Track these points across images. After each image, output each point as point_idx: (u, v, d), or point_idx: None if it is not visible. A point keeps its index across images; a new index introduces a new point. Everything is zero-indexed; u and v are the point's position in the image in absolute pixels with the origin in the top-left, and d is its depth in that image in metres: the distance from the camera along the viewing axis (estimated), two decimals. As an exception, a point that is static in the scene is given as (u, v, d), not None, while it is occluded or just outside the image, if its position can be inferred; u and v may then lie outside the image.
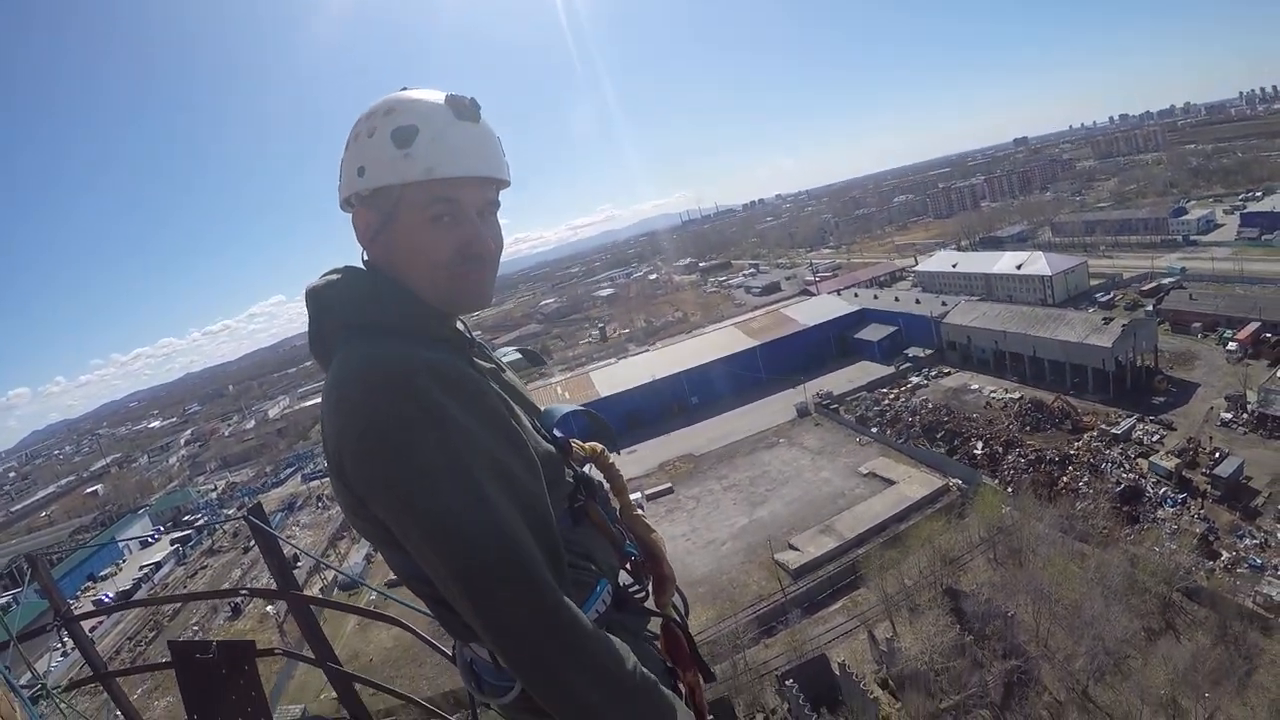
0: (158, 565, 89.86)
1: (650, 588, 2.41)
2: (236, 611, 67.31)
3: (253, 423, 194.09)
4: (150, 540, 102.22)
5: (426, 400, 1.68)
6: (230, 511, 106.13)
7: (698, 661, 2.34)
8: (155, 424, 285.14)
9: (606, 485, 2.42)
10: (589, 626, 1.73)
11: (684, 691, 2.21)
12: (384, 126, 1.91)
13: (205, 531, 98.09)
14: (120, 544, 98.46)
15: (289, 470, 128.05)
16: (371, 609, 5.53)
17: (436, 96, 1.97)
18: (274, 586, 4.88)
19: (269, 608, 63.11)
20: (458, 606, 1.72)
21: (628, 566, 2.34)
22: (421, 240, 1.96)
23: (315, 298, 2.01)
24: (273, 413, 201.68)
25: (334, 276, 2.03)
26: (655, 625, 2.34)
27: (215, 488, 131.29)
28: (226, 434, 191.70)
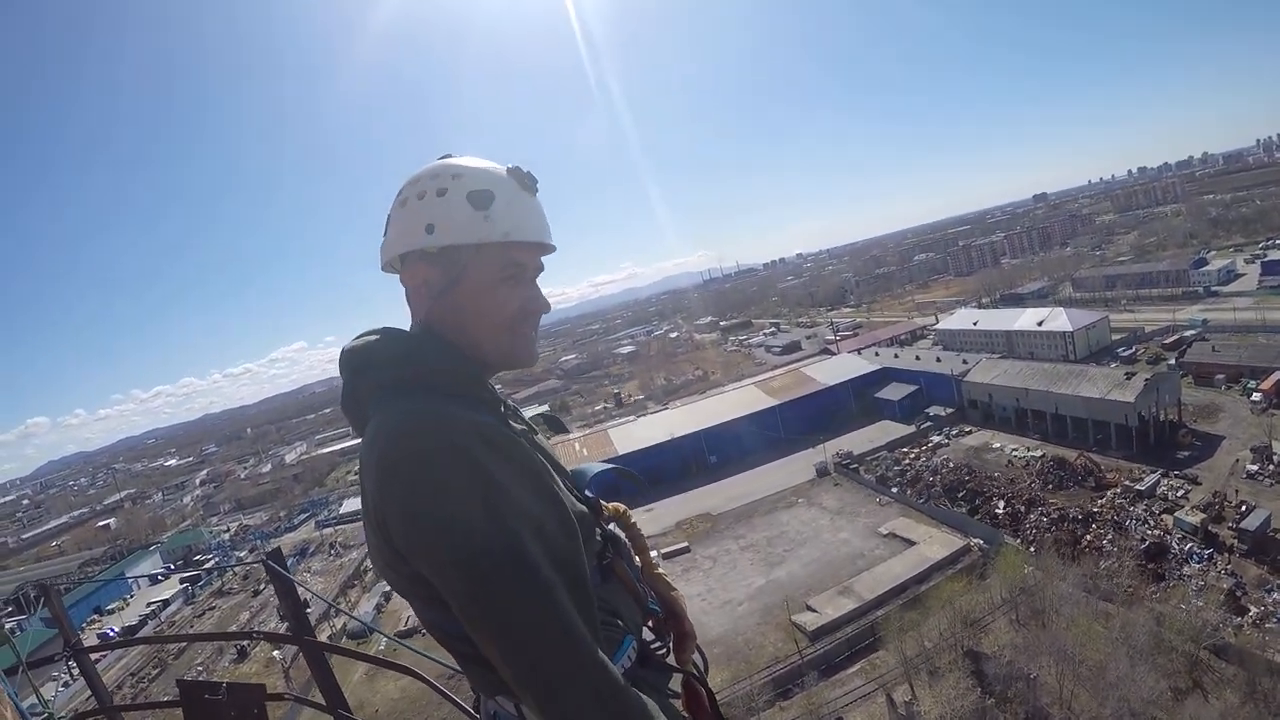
0: (165, 603, 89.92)
1: (671, 644, 2.42)
2: (243, 654, 67.02)
3: (269, 467, 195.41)
4: (160, 578, 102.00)
5: (470, 462, 1.69)
6: (243, 554, 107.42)
7: (717, 717, 2.33)
8: (172, 462, 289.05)
9: (628, 543, 2.41)
10: (623, 685, 1.72)
11: None
12: (456, 189, 1.96)
13: (216, 572, 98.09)
14: (129, 580, 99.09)
15: (303, 516, 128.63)
16: (383, 658, 5.41)
17: (498, 167, 2.05)
18: (285, 630, 5.10)
19: (275, 652, 62.97)
20: (498, 665, 1.68)
21: (650, 624, 2.35)
22: (490, 299, 2.02)
23: (351, 358, 2.01)
24: (289, 458, 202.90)
25: (372, 338, 2.04)
26: (676, 682, 2.34)
27: (228, 529, 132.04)
28: (242, 476, 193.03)
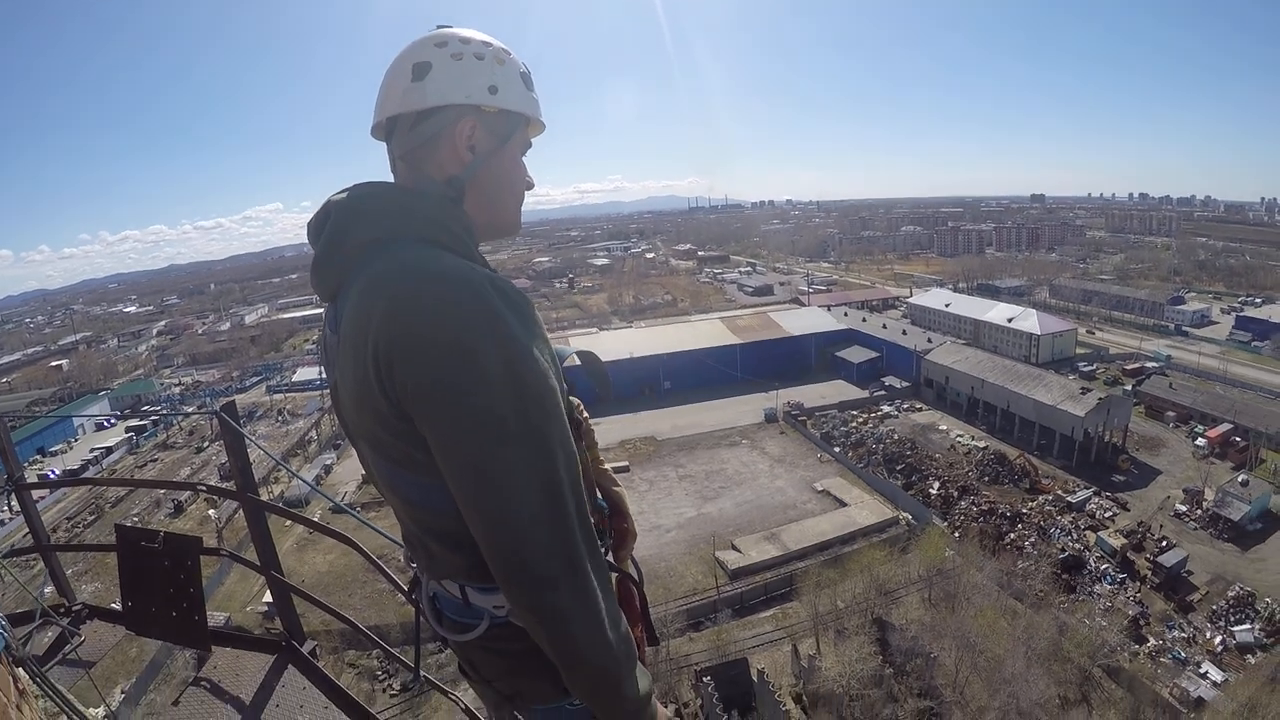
0: (109, 450, 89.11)
1: (611, 542, 2.44)
2: (179, 509, 67.02)
3: (228, 325, 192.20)
4: (106, 424, 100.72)
5: (493, 311, 1.67)
6: (190, 409, 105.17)
7: (646, 622, 2.44)
8: (131, 309, 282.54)
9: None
10: (599, 580, 1.80)
11: None
12: (511, 62, 2.04)
13: (162, 423, 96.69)
14: (75, 422, 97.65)
15: (255, 379, 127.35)
16: (323, 524, 5.47)
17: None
18: (229, 486, 4.90)
19: (211, 511, 63.47)
20: (473, 521, 1.72)
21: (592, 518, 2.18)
22: (518, 169, 2.14)
23: (344, 209, 1.95)
24: (249, 318, 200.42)
25: (373, 189, 1.98)
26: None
27: (179, 383, 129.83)
28: (200, 332, 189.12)
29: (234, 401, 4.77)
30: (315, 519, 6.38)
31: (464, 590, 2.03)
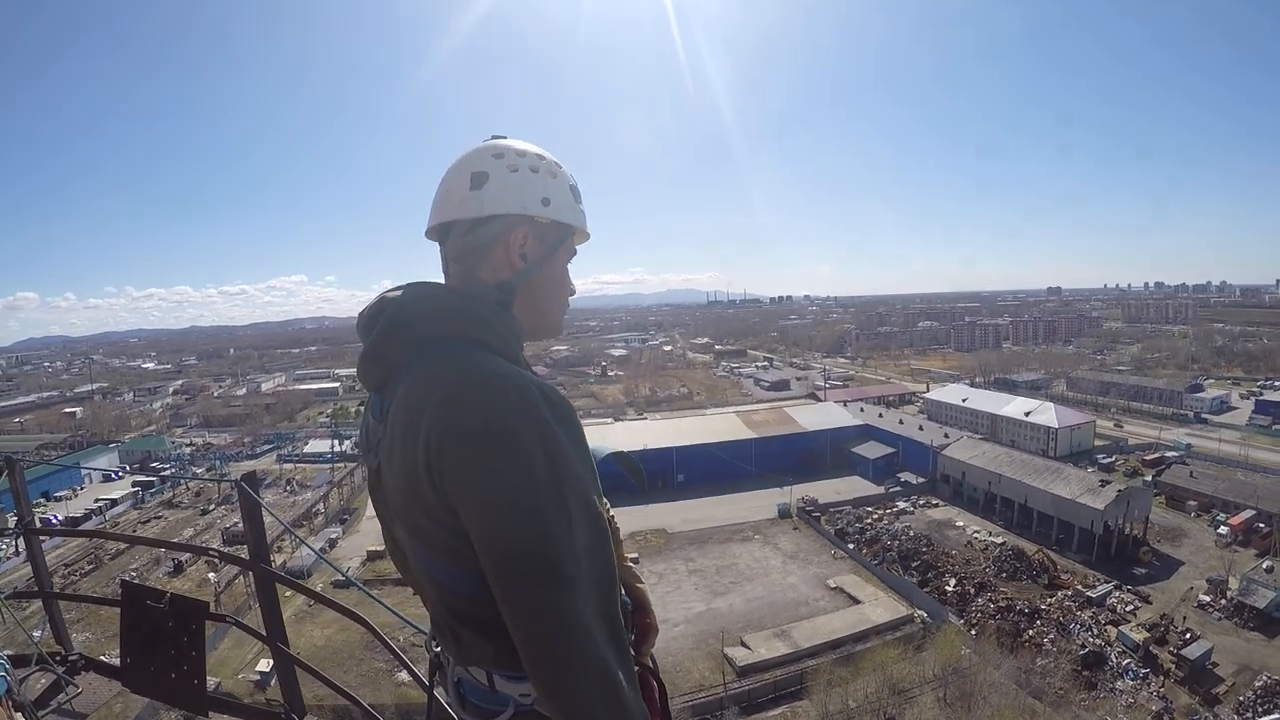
0: (114, 502, 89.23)
1: (634, 637, 2.42)
2: (178, 569, 66.53)
3: (244, 391, 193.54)
4: (114, 476, 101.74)
5: (541, 417, 1.73)
6: (200, 471, 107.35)
7: (665, 716, 2.44)
8: (150, 365, 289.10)
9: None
10: (627, 678, 1.76)
11: None
12: (562, 176, 2.18)
13: (172, 482, 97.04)
14: (83, 471, 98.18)
15: (266, 447, 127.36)
16: (335, 600, 5.58)
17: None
18: (235, 554, 5.10)
19: (211, 575, 62.86)
20: (513, 626, 1.71)
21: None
22: (565, 277, 2.26)
23: (398, 307, 2.01)
24: (266, 386, 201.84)
25: (428, 289, 2.08)
26: None
27: (191, 443, 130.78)
28: (215, 395, 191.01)
29: (254, 472, 4.95)
30: (319, 592, 6.07)
31: (491, 677, 2.02)
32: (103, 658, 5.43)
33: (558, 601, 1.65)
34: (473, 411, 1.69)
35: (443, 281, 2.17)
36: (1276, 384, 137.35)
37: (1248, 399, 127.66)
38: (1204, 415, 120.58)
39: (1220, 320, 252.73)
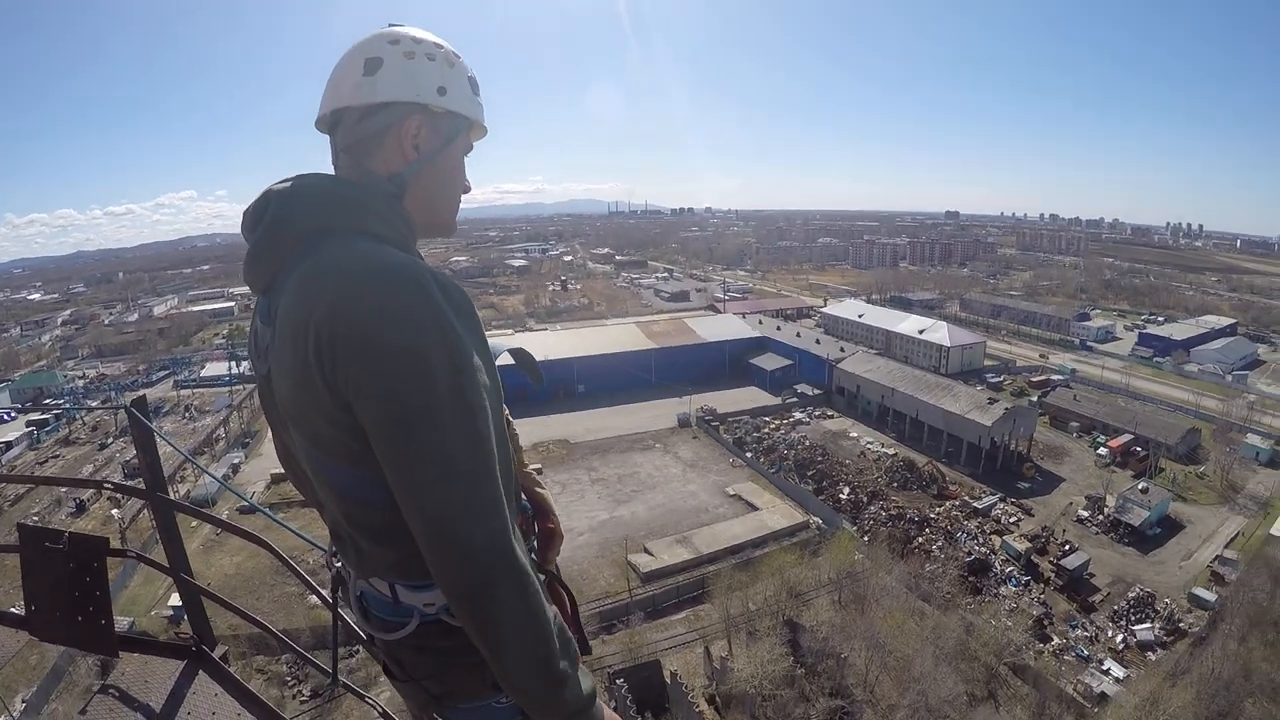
0: (8, 445, 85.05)
1: (537, 543, 2.46)
2: (81, 508, 64.49)
3: (135, 316, 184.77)
4: (6, 417, 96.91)
5: (438, 307, 1.69)
6: (95, 403, 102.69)
7: (577, 628, 2.42)
8: (36, 296, 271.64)
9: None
10: (528, 564, 1.78)
11: None
12: (460, 66, 2.10)
13: (66, 418, 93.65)
14: None
15: (162, 373, 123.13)
16: (236, 525, 5.23)
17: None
18: (137, 485, 4.74)
19: (114, 511, 61.07)
20: (415, 517, 1.69)
21: (519, 521, 2.24)
22: (459, 171, 2.19)
23: (285, 199, 1.92)
24: (158, 310, 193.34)
25: (317, 180, 1.98)
26: None
27: (84, 375, 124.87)
28: (106, 322, 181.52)
29: (144, 397, 4.67)
30: (224, 519, 5.99)
31: (394, 588, 2.03)
32: (13, 609, 5.14)
33: (459, 495, 1.65)
34: (366, 303, 1.64)
35: (332, 174, 2.09)
36: (1160, 319, 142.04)
37: (1131, 331, 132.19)
38: (1089, 343, 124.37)
39: (1110, 255, 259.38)
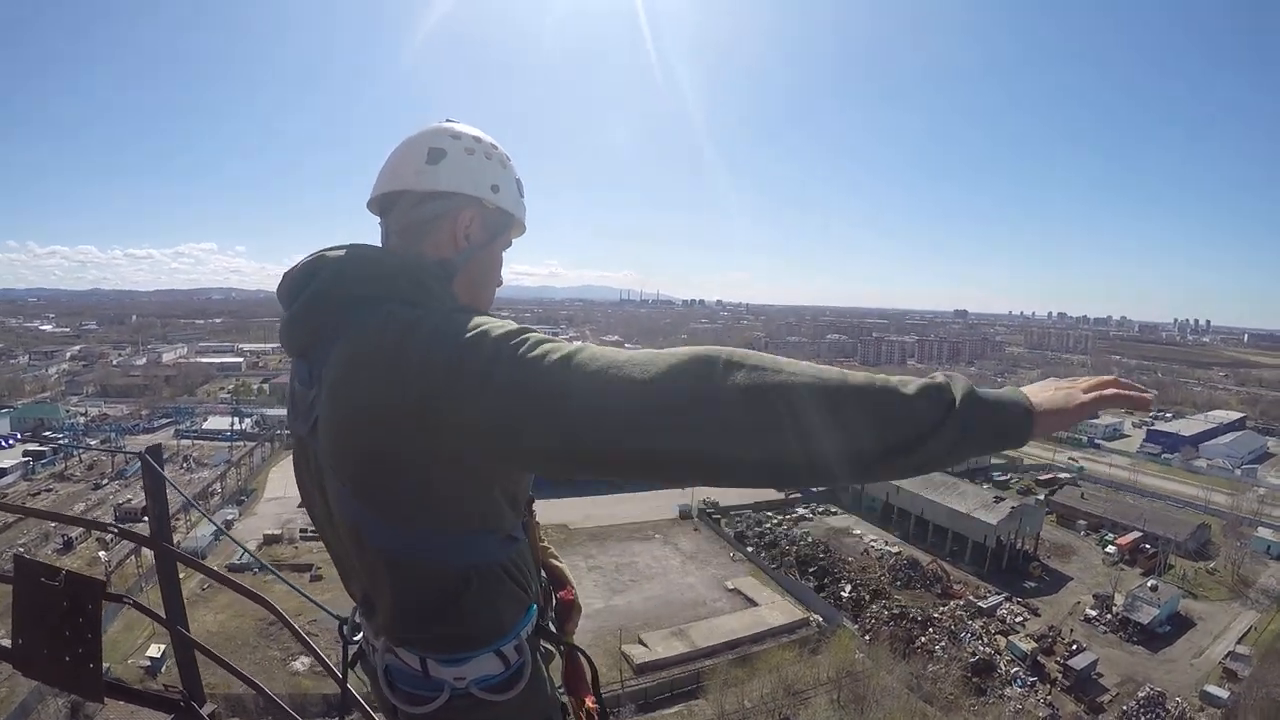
0: (3, 471, 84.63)
1: (555, 614, 2.38)
2: (68, 546, 63.91)
3: (144, 360, 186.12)
4: (3, 444, 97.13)
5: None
6: (95, 442, 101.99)
7: (598, 698, 2.33)
8: (47, 328, 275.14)
9: None
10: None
11: (584, 718, 2.27)
12: (511, 169, 2.18)
13: (63, 453, 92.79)
14: None
15: (164, 420, 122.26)
16: (243, 585, 4.85)
17: None
18: (135, 531, 4.68)
19: (101, 553, 60.53)
20: (616, 445, 1.42)
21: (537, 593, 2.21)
22: (498, 264, 2.23)
23: (340, 264, 1.89)
24: (167, 356, 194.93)
25: (370, 251, 1.96)
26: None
27: (85, 413, 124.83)
28: (114, 363, 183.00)
29: (159, 445, 4.64)
30: (229, 576, 5.55)
31: (425, 662, 1.91)
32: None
33: (655, 405, 1.40)
34: (465, 333, 1.54)
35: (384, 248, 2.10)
36: (1168, 416, 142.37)
37: (1139, 428, 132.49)
38: (1097, 440, 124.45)
39: (1118, 353, 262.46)
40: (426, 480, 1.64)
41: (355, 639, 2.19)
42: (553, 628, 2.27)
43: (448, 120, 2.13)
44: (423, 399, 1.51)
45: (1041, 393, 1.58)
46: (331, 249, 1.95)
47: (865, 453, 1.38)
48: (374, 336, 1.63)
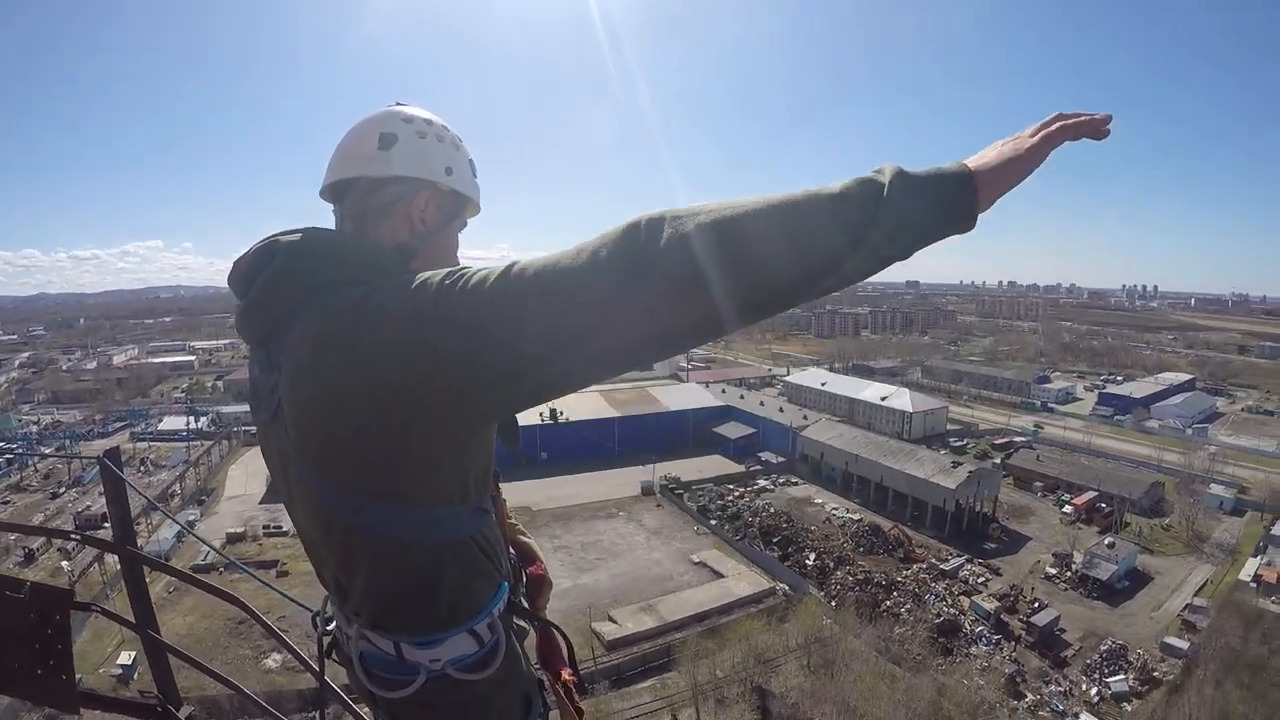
0: None
1: (526, 590, 2.43)
2: (30, 558, 62.50)
3: (94, 364, 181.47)
4: None
5: None
6: (48, 451, 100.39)
7: (574, 670, 2.39)
8: None
9: None
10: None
11: (561, 692, 2.32)
12: (464, 151, 2.21)
13: (18, 464, 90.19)
14: None
15: (119, 424, 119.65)
16: (211, 584, 4.82)
17: None
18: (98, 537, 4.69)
19: (64, 563, 59.80)
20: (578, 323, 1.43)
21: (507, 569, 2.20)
22: (454, 245, 2.24)
23: (303, 247, 1.86)
24: (118, 359, 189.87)
25: (326, 234, 1.97)
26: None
27: (38, 421, 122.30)
28: (64, 368, 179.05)
29: (118, 448, 4.37)
30: (198, 577, 5.52)
31: (399, 646, 1.90)
32: None
33: (595, 272, 1.40)
34: (409, 289, 1.54)
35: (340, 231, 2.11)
36: (1119, 378, 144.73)
37: (1091, 391, 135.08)
38: (1050, 405, 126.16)
39: (1069, 319, 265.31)
40: (395, 453, 1.64)
41: (329, 629, 2.19)
42: (524, 604, 2.31)
43: (398, 104, 2.16)
44: (383, 371, 1.52)
45: (984, 155, 1.56)
46: (284, 233, 1.94)
47: (812, 265, 1.38)
48: (331, 318, 1.64)
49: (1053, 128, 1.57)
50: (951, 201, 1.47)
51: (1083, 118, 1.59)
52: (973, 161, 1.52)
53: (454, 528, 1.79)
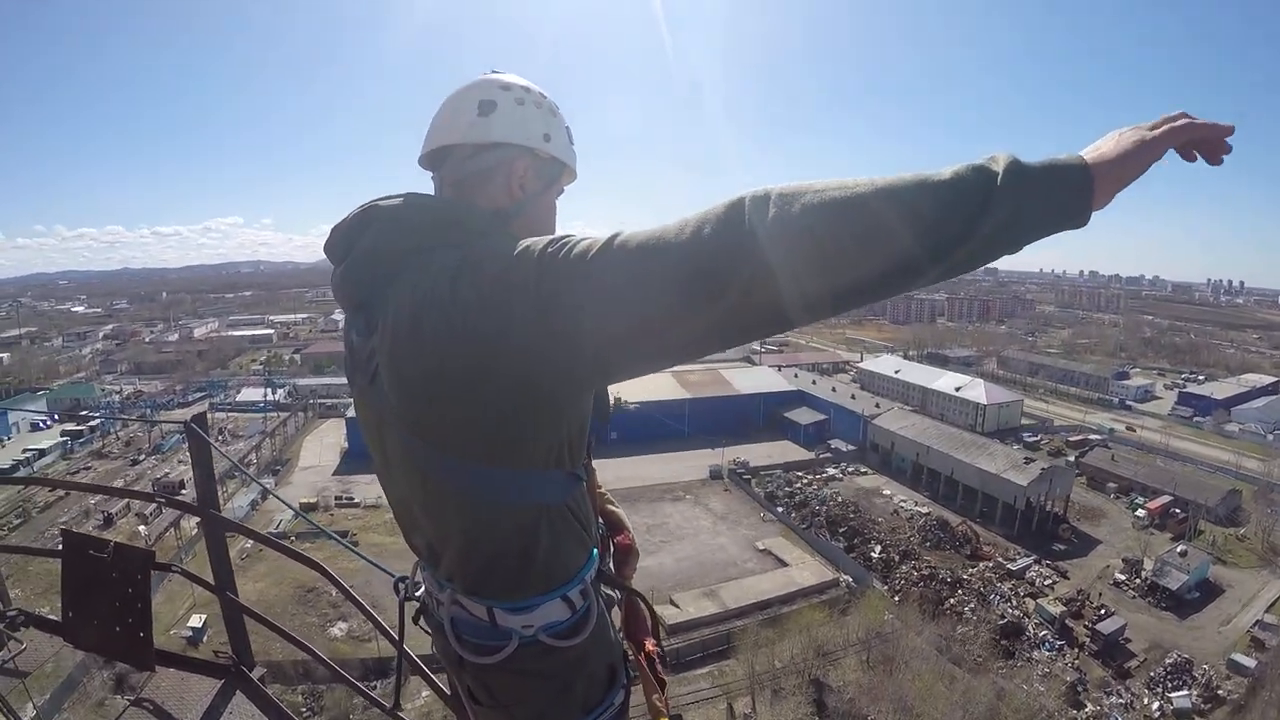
0: (42, 452, 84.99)
1: (613, 560, 2.55)
2: (108, 521, 64.01)
3: (176, 336, 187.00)
4: (42, 425, 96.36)
5: None
6: (135, 416, 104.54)
7: (659, 645, 2.51)
8: (79, 309, 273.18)
9: None
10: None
11: (644, 662, 2.43)
12: (560, 117, 2.21)
13: (100, 431, 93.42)
14: (10, 419, 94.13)
15: (199, 394, 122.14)
16: (292, 548, 5.15)
17: None
18: (183, 500, 4.85)
19: (141, 527, 61.03)
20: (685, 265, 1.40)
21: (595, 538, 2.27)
22: (552, 212, 2.25)
23: (406, 212, 1.94)
24: (199, 332, 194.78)
25: (426, 199, 2.02)
26: None
27: (120, 390, 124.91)
28: (147, 340, 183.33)
29: (205, 414, 4.86)
30: (281, 542, 5.87)
31: (492, 612, 1.98)
32: (48, 614, 5.15)
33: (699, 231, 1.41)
34: (510, 255, 1.61)
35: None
36: (1200, 377, 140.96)
37: (1171, 390, 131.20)
38: (1128, 402, 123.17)
39: (1150, 313, 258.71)
40: (492, 416, 1.69)
41: (416, 595, 2.29)
42: (612, 573, 2.41)
43: (494, 72, 2.18)
44: (483, 335, 1.58)
45: (1100, 147, 1.47)
46: (383, 198, 2.00)
47: (919, 253, 1.34)
48: (430, 280, 1.70)
49: (1179, 123, 1.50)
50: (1068, 196, 1.41)
51: (1207, 123, 1.51)
52: (1089, 154, 1.45)
53: (549, 493, 1.88)
